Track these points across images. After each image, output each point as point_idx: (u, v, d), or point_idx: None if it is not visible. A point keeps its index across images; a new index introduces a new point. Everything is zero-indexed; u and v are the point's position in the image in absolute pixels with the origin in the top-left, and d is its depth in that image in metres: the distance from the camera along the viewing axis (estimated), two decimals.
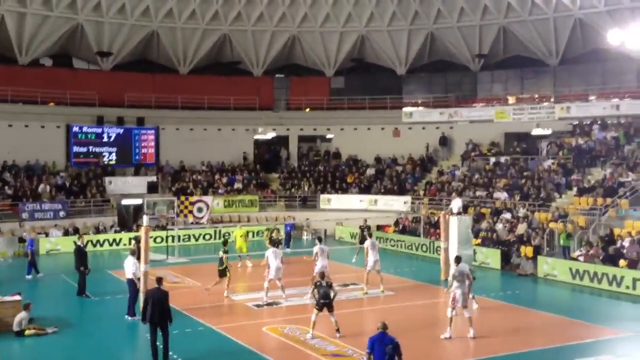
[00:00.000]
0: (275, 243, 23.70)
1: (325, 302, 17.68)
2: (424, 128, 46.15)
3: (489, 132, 43.88)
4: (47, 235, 35.35)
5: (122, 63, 46.45)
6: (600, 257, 26.31)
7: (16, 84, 41.06)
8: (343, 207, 41.34)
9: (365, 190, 42.94)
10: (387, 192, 42.07)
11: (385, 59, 49.16)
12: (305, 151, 50.08)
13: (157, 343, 15.87)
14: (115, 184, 41.23)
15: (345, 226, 39.26)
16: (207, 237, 38.86)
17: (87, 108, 43.43)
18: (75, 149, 42.69)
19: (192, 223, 38.44)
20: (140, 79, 46.05)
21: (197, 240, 38.51)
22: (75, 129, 42.66)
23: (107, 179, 41.32)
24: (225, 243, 24.20)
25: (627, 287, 24.15)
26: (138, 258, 20.61)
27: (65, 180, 40.32)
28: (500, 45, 46.54)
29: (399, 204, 40.49)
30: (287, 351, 17.05)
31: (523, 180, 36.83)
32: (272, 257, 22.21)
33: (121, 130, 44.06)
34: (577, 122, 40.51)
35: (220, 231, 38.49)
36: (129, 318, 20.15)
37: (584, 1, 41.11)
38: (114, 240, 36.35)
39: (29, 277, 27.38)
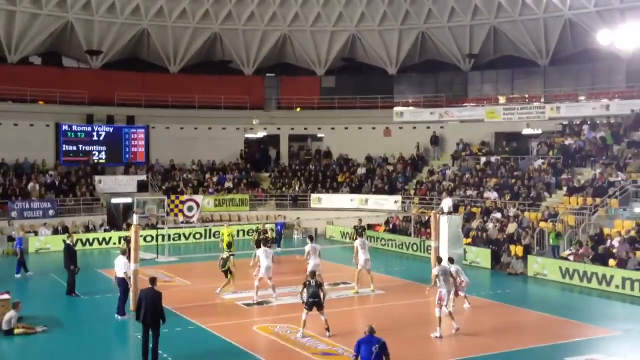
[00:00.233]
0: (264, 242, 23.52)
1: (314, 301, 17.65)
2: (414, 127, 46.19)
3: (479, 132, 43.96)
4: (36, 233, 35.18)
5: (112, 61, 46.37)
6: (590, 257, 26.36)
7: (5, 82, 40.95)
8: (334, 206, 41.31)
9: (356, 189, 42.93)
10: (378, 191, 42.08)
11: (376, 59, 49.20)
12: (296, 150, 50.06)
13: (150, 344, 15.80)
14: (105, 183, 41.12)
15: (336, 225, 39.23)
16: (198, 236, 38.80)
17: (77, 107, 43.34)
18: (65, 147, 42.58)
19: (182, 222, 38.34)
20: (130, 78, 45.98)
21: (187, 239, 38.44)
22: (65, 127, 42.53)
23: (96, 178, 41.21)
24: (229, 245, 24.14)
25: (617, 287, 24.21)
26: (128, 257, 20.57)
27: (55, 179, 40.16)
28: (490, 45, 46.70)
29: (389, 203, 40.50)
30: (278, 350, 17.00)
31: (513, 180, 36.89)
32: (263, 256, 22.15)
33: (111, 129, 43.96)
34: (567, 122, 40.62)
35: (210, 230, 38.46)
36: (119, 317, 20.07)
37: (574, 2, 41.30)
38: (104, 239, 36.18)
39: (18, 275, 27.27)
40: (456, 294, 20.27)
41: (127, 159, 44.25)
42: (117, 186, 41.05)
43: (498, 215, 33.32)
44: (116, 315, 20.15)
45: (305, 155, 49.33)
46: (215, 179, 44.19)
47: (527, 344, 17.50)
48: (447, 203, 28.36)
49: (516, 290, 25.38)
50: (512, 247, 29.25)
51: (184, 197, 39.28)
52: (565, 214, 31.24)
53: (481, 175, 39.42)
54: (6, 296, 19.65)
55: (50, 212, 37.38)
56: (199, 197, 39.79)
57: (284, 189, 44.42)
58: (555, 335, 18.35)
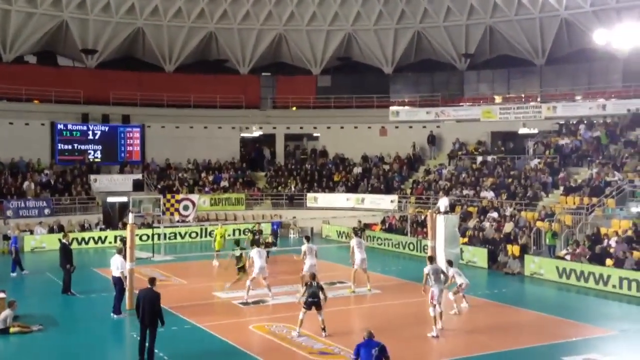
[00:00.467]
0: (256, 243, 23.46)
1: (313, 301, 17.61)
2: (410, 127, 46.15)
3: (475, 132, 43.95)
4: (31, 232, 35.09)
5: (107, 61, 46.28)
6: (587, 256, 26.36)
7: (0, 81, 40.85)
8: (330, 205, 41.26)
9: (352, 188, 42.88)
10: (374, 190, 42.03)
11: (372, 58, 49.17)
12: (292, 150, 49.99)
13: (146, 344, 15.73)
14: (101, 182, 41.03)
15: (332, 225, 39.20)
16: (193, 235, 38.73)
17: (72, 106, 43.26)
18: (60, 146, 42.44)
19: (178, 221, 38.25)
20: (125, 77, 45.89)
21: (183, 238, 38.41)
22: (60, 126, 42.40)
23: (92, 177, 41.12)
24: (237, 242, 24.09)
25: (614, 286, 24.19)
26: (124, 256, 20.52)
27: (50, 178, 40.04)
28: (486, 44, 46.71)
29: (385, 202, 40.44)
30: (274, 349, 16.94)
31: (510, 180, 36.88)
32: (257, 257, 22.06)
33: (106, 128, 43.85)
34: (563, 122, 40.63)
35: (206, 229, 38.37)
36: (115, 316, 20.01)
37: (570, 1, 41.32)
38: (99, 238, 36.11)
39: (14, 274, 27.19)
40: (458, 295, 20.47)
41: (122, 158, 44.12)
42: (113, 185, 40.96)
43: (495, 214, 33.31)
44: (112, 314, 20.08)
45: (301, 155, 49.33)
46: (211, 178, 44.14)
47: (524, 344, 17.47)
48: (443, 202, 28.46)
49: (513, 289, 25.34)
50: (509, 247, 29.24)
51: (179, 196, 39.23)
52: (562, 213, 31.23)
53: (477, 174, 39.41)
54: (2, 295, 19.57)
55: (46, 211, 37.29)
56: (194, 197, 39.74)
57: (280, 188, 44.35)
58: (552, 334, 18.32)
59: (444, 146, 45.19)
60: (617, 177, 32.47)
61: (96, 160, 43.44)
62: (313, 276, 18.40)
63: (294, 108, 49.10)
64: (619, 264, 25.04)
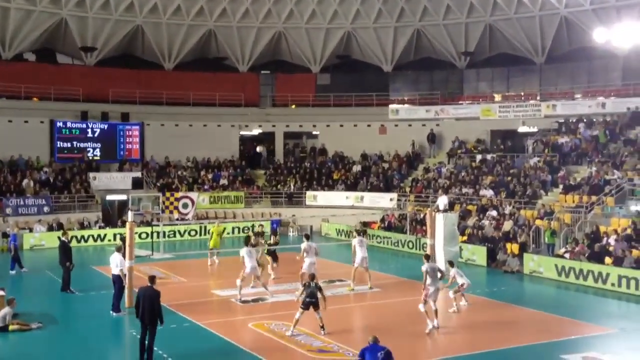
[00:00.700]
0: (246, 241, 23.19)
1: (311, 301, 17.60)
2: (410, 125, 46.12)
3: (475, 130, 43.96)
4: (31, 230, 35.08)
5: (106, 58, 46.26)
6: (586, 255, 26.35)
7: None
8: (329, 203, 41.28)
9: (352, 187, 42.89)
10: (373, 189, 42.02)
11: (371, 56, 49.15)
12: (291, 148, 49.97)
13: (146, 341, 15.72)
14: (100, 180, 41.00)
15: (332, 223, 39.20)
16: (193, 233, 38.71)
17: (71, 103, 43.23)
18: (59, 144, 42.40)
19: (177, 219, 38.25)
20: (124, 75, 45.86)
21: (182, 236, 38.42)
22: (59, 124, 42.36)
23: (91, 175, 41.10)
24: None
25: (613, 285, 24.17)
26: (124, 255, 20.52)
27: (49, 176, 40.01)
28: (486, 43, 46.71)
29: (385, 200, 40.46)
30: (273, 347, 16.91)
31: (509, 178, 36.89)
32: (247, 256, 22.00)
33: (105, 126, 43.81)
34: (563, 120, 40.61)
35: (205, 227, 38.31)
36: (114, 314, 20.00)
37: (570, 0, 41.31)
38: (99, 236, 36.10)
39: (13, 272, 27.16)
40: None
41: (121, 155, 44.09)
42: (112, 183, 40.94)
43: (494, 213, 33.30)
44: (111, 312, 20.07)
45: (300, 153, 49.29)
46: (210, 176, 44.11)
47: (523, 342, 17.45)
48: (442, 201, 28.46)
49: (512, 288, 25.31)
50: (508, 245, 29.22)
51: (179, 194, 39.19)
52: (561, 212, 31.24)
53: (477, 173, 39.42)
54: (1, 293, 19.61)
55: (45, 208, 37.27)
56: (194, 195, 39.70)
57: (279, 186, 44.33)
58: (551, 333, 18.32)
59: (443, 144, 45.17)
60: (616, 175, 32.48)
61: (95, 158, 43.40)
62: (312, 277, 18.39)
63: (293, 106, 49.08)
64: (618, 262, 25.04)
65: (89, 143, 43.25)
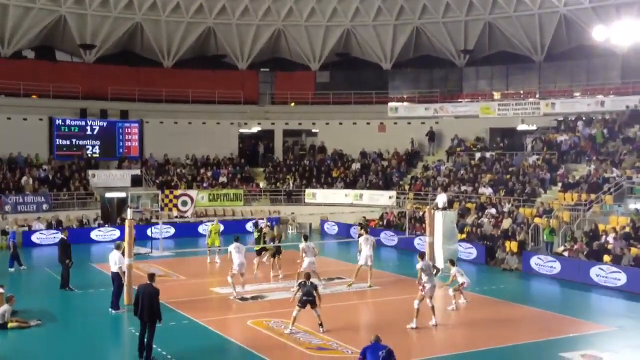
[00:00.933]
0: (236, 238, 23.10)
1: (307, 299, 17.60)
2: (409, 123, 46.11)
3: (474, 128, 43.94)
4: (30, 228, 35.04)
5: (105, 56, 46.20)
6: (585, 253, 26.37)
7: None
8: (328, 201, 41.30)
9: (351, 184, 42.87)
10: (373, 186, 42.02)
11: (370, 54, 49.14)
12: (290, 145, 49.96)
13: (145, 339, 15.73)
14: (99, 177, 40.96)
15: (331, 221, 39.18)
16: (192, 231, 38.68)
17: (70, 101, 43.21)
18: (58, 141, 42.38)
19: (176, 217, 38.22)
20: (124, 72, 45.84)
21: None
22: (58, 121, 42.34)
23: (90, 172, 41.05)
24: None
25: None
26: (123, 253, 20.52)
27: (49, 173, 39.98)
28: (485, 40, 46.70)
29: (384, 198, 40.44)
30: (272, 344, 16.92)
31: (508, 176, 36.89)
32: (235, 252, 22.02)
33: (105, 123, 43.77)
34: (562, 118, 40.61)
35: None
36: (113, 311, 20.00)
37: None
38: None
39: (12, 269, 27.15)
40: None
41: (120, 153, 44.07)
42: (111, 181, 40.91)
43: (493, 211, 33.30)
44: (110, 309, 20.07)
45: (299, 151, 49.28)
46: (209, 173, 44.09)
47: (521, 340, 17.49)
48: (441, 199, 28.48)
49: (511, 286, 25.35)
50: (507, 243, 29.25)
51: (178, 192, 39.11)
52: (560, 210, 31.23)
53: (476, 171, 39.41)
54: (0, 290, 19.56)
55: (44, 206, 37.24)
56: (193, 192, 39.64)
57: (278, 184, 44.34)
58: (549, 330, 18.35)
59: (442, 142, 45.15)
60: (615, 173, 32.47)
61: (94, 155, 43.36)
62: (308, 276, 18.35)
63: (293, 104, 49.07)
64: (616, 260, 25.05)
65: (88, 140, 43.23)
